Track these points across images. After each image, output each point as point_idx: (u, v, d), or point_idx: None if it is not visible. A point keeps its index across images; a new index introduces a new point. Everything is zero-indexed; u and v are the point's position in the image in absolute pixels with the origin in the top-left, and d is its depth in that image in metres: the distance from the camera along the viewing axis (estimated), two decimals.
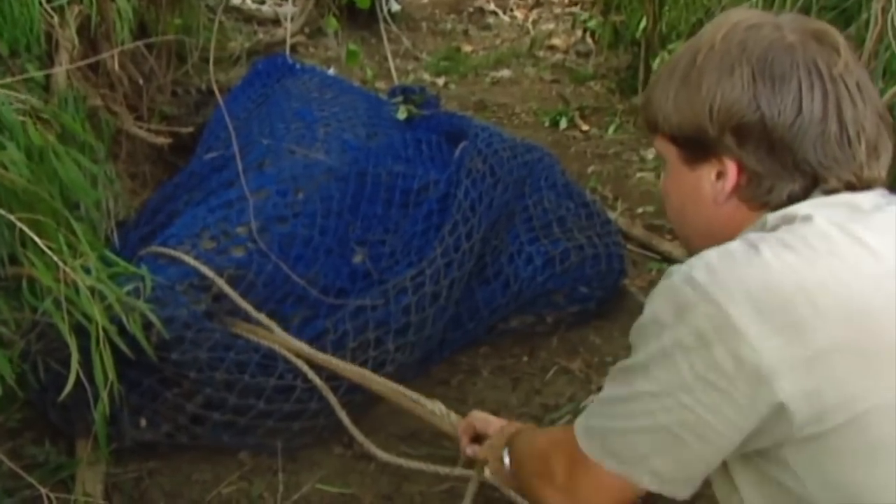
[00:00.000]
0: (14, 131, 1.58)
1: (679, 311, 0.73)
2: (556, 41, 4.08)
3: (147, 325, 1.46)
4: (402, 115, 2.60)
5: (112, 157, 2.47)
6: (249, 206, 1.85)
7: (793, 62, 0.77)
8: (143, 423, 1.53)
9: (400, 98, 2.71)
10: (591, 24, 3.62)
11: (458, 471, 1.52)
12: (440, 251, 1.84)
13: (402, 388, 1.60)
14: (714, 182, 0.81)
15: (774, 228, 0.76)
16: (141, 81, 2.57)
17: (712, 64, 0.79)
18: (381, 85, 3.56)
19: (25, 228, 1.29)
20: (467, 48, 4.19)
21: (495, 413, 1.38)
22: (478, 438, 1.27)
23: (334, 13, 3.08)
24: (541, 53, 3.99)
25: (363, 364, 1.66)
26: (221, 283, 1.67)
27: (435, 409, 1.49)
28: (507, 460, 1.08)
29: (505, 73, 3.83)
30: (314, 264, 1.86)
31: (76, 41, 2.29)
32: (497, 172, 2.05)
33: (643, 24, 2.98)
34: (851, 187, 0.78)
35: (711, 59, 0.80)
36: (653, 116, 0.85)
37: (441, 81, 3.77)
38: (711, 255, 0.74)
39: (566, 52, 3.96)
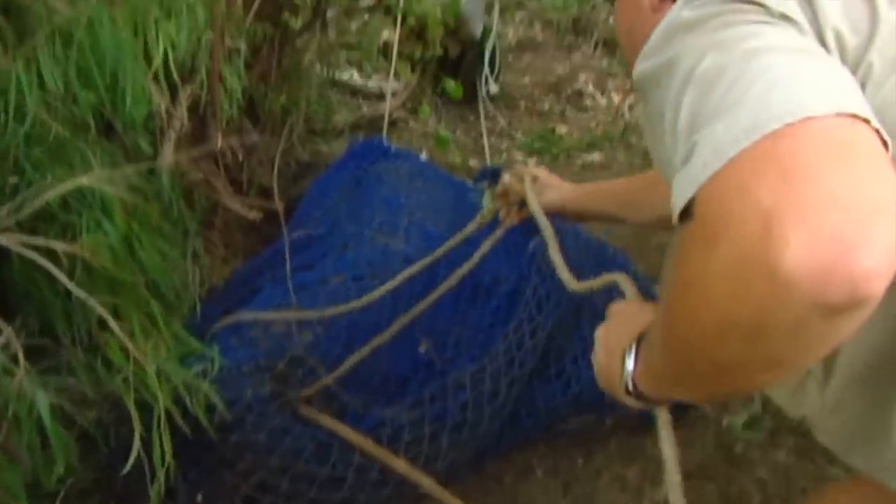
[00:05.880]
0: (111, 212, 1.72)
1: None
2: None
3: (210, 406, 1.55)
4: (486, 201, 2.66)
5: (207, 226, 2.62)
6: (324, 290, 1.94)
7: None
8: (200, 498, 1.60)
9: (485, 183, 2.77)
10: None
11: None
12: (503, 348, 1.86)
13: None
14: None
15: None
16: (242, 157, 2.72)
17: None
18: (473, 162, 3.65)
19: (104, 313, 1.39)
20: (562, 129, 4.24)
21: None
22: None
23: (429, 99, 3.18)
24: (633, 139, 4.00)
25: (415, 458, 1.69)
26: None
27: None
28: (629, 364, 0.79)
29: (596, 156, 3.85)
30: (379, 352, 1.91)
31: (186, 119, 2.47)
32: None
33: None
34: None
35: None
36: None
37: (532, 162, 3.83)
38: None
39: None
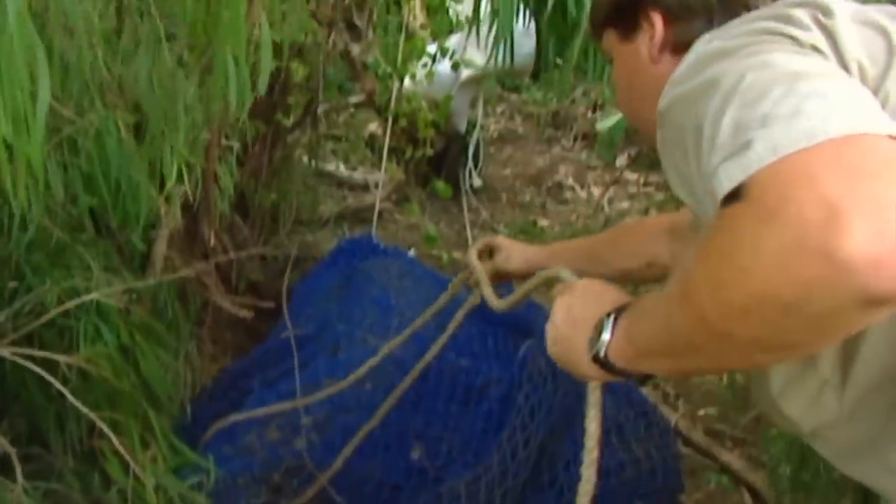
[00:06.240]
0: (109, 318, 1.73)
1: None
2: (629, 221, 4.17)
3: None
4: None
5: (198, 323, 2.62)
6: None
7: None
8: None
9: None
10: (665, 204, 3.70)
11: None
12: (497, 458, 1.86)
13: None
14: (649, 44, 0.92)
15: None
16: (232, 254, 2.74)
17: None
18: (458, 255, 3.70)
19: (103, 426, 1.39)
20: (544, 222, 4.32)
21: None
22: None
23: (417, 196, 3.25)
24: None
25: None
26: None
27: None
28: (606, 335, 0.79)
29: None
30: (373, 458, 1.91)
31: (179, 217, 2.50)
32: (558, 376, 2.09)
33: None
34: None
35: None
36: (594, 19, 1.01)
37: None
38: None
39: None
